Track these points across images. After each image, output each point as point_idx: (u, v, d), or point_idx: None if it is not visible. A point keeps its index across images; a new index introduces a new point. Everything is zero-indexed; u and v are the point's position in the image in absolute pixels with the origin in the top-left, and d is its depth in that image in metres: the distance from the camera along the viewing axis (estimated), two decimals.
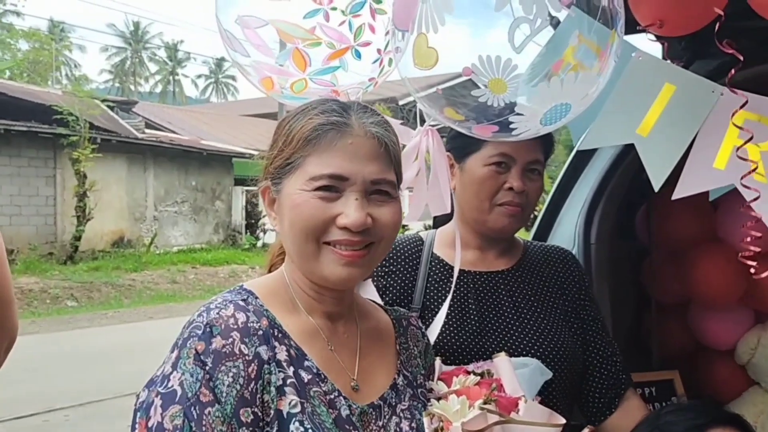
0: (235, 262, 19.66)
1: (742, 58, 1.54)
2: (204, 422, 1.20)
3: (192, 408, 1.20)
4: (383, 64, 1.78)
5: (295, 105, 1.59)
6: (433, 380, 1.61)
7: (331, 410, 1.33)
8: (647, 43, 1.87)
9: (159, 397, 1.22)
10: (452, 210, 1.94)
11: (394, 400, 1.46)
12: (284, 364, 1.31)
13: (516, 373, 1.62)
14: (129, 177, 19.79)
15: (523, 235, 2.25)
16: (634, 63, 1.70)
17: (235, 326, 1.29)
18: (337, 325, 1.45)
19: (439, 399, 1.53)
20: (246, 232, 23.16)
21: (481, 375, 1.62)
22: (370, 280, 1.87)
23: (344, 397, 1.37)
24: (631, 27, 1.72)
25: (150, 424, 1.21)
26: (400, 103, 25.30)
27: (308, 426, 1.27)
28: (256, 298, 1.39)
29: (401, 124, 1.72)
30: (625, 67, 1.69)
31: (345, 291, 1.46)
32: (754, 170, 1.55)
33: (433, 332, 1.81)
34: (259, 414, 1.26)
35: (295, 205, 1.34)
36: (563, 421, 1.56)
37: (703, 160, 1.64)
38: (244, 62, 1.76)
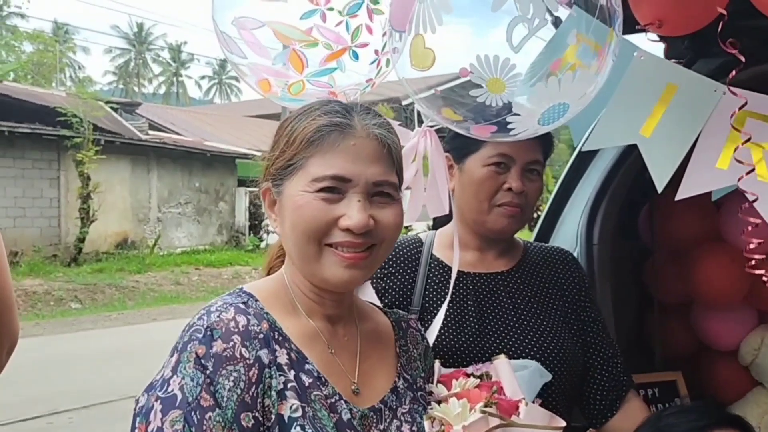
0: (238, 264, 19.67)
1: (743, 59, 1.53)
2: (204, 427, 1.19)
3: (192, 413, 1.19)
4: (381, 65, 1.77)
5: (293, 107, 1.58)
6: (432, 383, 1.61)
7: (332, 414, 1.32)
8: (649, 43, 1.87)
9: (159, 401, 1.21)
10: (452, 211, 1.94)
11: (394, 403, 1.45)
12: (285, 367, 1.30)
13: (516, 376, 1.61)
14: (132, 178, 19.82)
15: (526, 235, 2.24)
16: (636, 63, 1.70)
17: (236, 329, 1.28)
18: (337, 328, 1.45)
19: (439, 402, 1.52)
20: (249, 234, 23.18)
21: (481, 377, 1.61)
22: (369, 282, 1.86)
23: (345, 401, 1.36)
24: (631, 26, 1.71)
25: (150, 429, 1.20)
26: (403, 103, 25.31)
27: (309, 430, 1.26)
28: (256, 300, 1.37)
29: (400, 125, 1.72)
30: (627, 67, 1.69)
31: (345, 293, 1.45)
32: (751, 171, 1.54)
33: (432, 334, 1.80)
34: (260, 419, 1.25)
35: (297, 207, 1.33)
36: (563, 423, 1.56)
37: (706, 161, 1.63)
38: (241, 64, 1.76)
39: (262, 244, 22.25)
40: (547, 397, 1.77)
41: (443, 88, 1.53)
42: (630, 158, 2.73)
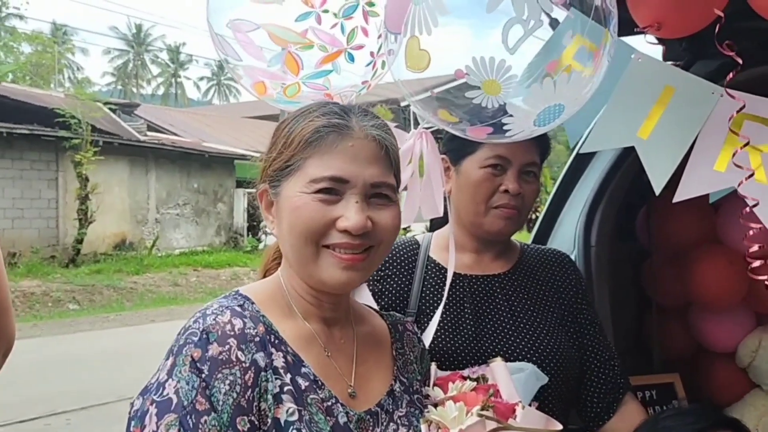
0: (237, 265, 19.66)
1: (741, 61, 1.52)
2: (200, 431, 1.18)
3: (188, 417, 1.18)
4: (376, 67, 1.77)
5: (289, 109, 1.58)
6: (429, 386, 1.60)
7: (328, 418, 1.31)
8: (646, 45, 1.86)
9: (154, 405, 1.20)
10: (447, 213, 1.93)
11: (391, 406, 1.44)
12: (281, 371, 1.30)
13: (512, 379, 1.61)
14: (131, 179, 19.81)
15: (524, 237, 2.24)
16: (634, 65, 1.69)
17: (232, 333, 1.27)
18: (333, 331, 1.44)
19: (435, 405, 1.52)
20: (248, 235, 23.16)
21: (477, 380, 1.60)
22: (365, 284, 1.85)
23: (341, 404, 1.35)
24: (629, 28, 1.71)
25: None
26: (402, 104, 25.30)
27: None
28: (252, 303, 1.37)
29: (397, 126, 1.71)
30: (624, 70, 1.68)
31: (342, 295, 1.44)
32: (750, 176, 1.53)
33: (427, 337, 1.80)
34: (256, 422, 1.24)
35: (295, 208, 1.33)
36: (560, 426, 1.55)
37: (704, 163, 1.63)
38: (237, 66, 1.75)
39: (261, 245, 22.22)
40: (543, 400, 1.77)
41: (439, 90, 1.53)
42: (628, 160, 2.73)
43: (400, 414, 1.45)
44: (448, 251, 1.94)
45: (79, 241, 17.46)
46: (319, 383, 1.34)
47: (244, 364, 1.25)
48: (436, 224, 2.13)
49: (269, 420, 1.25)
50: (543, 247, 2.23)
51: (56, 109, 16.89)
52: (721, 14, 1.55)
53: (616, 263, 2.88)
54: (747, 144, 1.55)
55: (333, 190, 1.32)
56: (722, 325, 2.93)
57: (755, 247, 1.64)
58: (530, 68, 1.42)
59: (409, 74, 1.50)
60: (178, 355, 1.24)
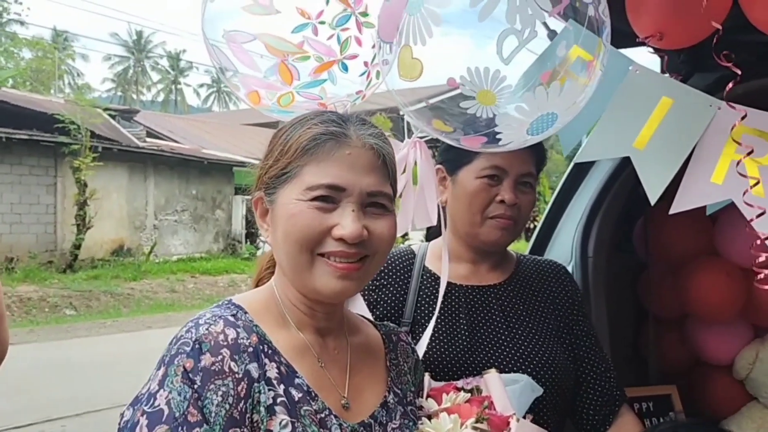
0: (234, 272, 19.65)
1: (739, 71, 1.52)
2: None
3: (179, 428, 1.16)
4: (371, 76, 1.76)
5: (284, 118, 1.57)
6: (422, 397, 1.59)
7: (321, 430, 1.30)
8: (645, 57, 1.86)
9: (145, 416, 1.18)
10: (440, 223, 1.92)
11: (384, 418, 1.43)
12: (274, 381, 1.28)
13: (507, 390, 1.59)
14: (129, 186, 19.81)
15: (522, 247, 2.23)
16: (632, 76, 1.69)
17: (225, 343, 1.25)
18: (327, 341, 1.43)
19: (429, 417, 1.51)
20: (246, 242, 23.15)
21: (471, 392, 1.59)
22: (359, 294, 1.85)
23: (335, 416, 1.33)
24: (631, 40, 1.71)
25: None
26: (401, 113, 25.36)
27: None
28: (246, 313, 1.35)
29: (392, 135, 1.70)
30: (622, 81, 1.68)
31: (336, 305, 1.43)
32: (754, 186, 1.53)
33: (421, 347, 1.79)
34: None
35: (291, 215, 1.31)
36: None
37: (701, 175, 1.62)
38: (231, 76, 1.74)
39: (259, 252, 22.19)
40: (538, 412, 1.76)
41: (434, 100, 1.52)
42: (625, 171, 2.72)
43: (394, 426, 1.44)
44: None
45: (77, 247, 17.44)
46: (313, 394, 1.32)
47: (237, 375, 1.23)
48: (432, 234, 2.13)
49: None
50: (539, 257, 2.22)
51: (56, 115, 16.90)
52: (719, 27, 1.55)
53: (613, 274, 2.88)
54: (750, 153, 1.54)
55: (329, 198, 1.31)
56: (719, 337, 2.92)
57: (763, 257, 1.62)
58: (524, 78, 1.41)
59: (403, 84, 1.49)
60: (169, 365, 1.22)
